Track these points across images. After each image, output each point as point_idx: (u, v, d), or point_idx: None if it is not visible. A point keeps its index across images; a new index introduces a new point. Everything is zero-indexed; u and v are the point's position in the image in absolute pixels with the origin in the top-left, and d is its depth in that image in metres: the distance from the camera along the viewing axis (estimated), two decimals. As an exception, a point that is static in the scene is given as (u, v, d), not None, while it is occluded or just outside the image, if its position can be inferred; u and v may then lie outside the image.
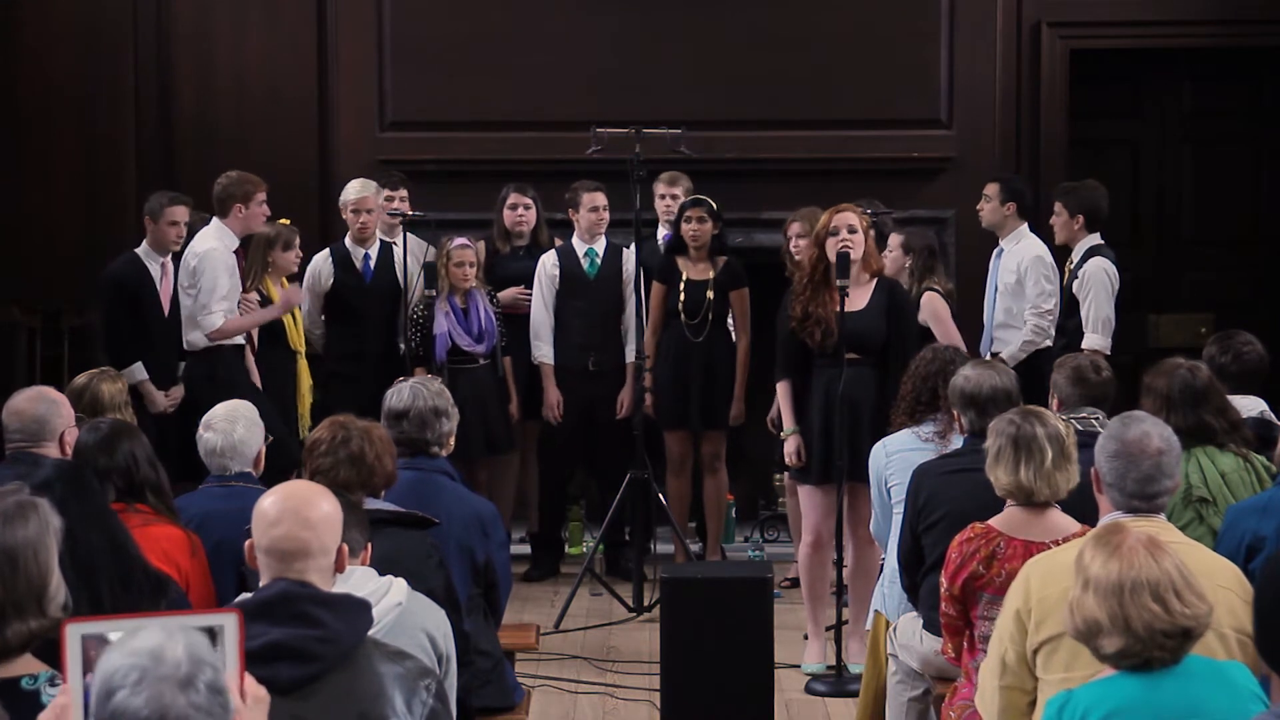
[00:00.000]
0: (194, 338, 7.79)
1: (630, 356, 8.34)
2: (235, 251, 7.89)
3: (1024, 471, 4.50)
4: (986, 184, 8.36)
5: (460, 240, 8.31)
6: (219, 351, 7.77)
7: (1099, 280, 7.73)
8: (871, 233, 6.92)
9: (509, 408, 8.49)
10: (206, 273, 7.72)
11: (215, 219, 7.88)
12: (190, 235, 7.95)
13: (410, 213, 8.41)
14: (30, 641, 3.09)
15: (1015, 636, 3.90)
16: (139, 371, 7.68)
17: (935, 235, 8.17)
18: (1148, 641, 3.16)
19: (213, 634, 2.50)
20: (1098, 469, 4.04)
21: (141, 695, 2.34)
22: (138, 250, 8.00)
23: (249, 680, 2.54)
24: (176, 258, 8.00)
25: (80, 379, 6.11)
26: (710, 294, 8.25)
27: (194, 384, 7.83)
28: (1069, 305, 7.83)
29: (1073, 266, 7.90)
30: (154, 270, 7.99)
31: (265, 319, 7.87)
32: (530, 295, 8.54)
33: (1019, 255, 8.10)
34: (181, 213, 7.95)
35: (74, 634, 2.45)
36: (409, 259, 8.31)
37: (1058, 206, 7.96)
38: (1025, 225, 8.16)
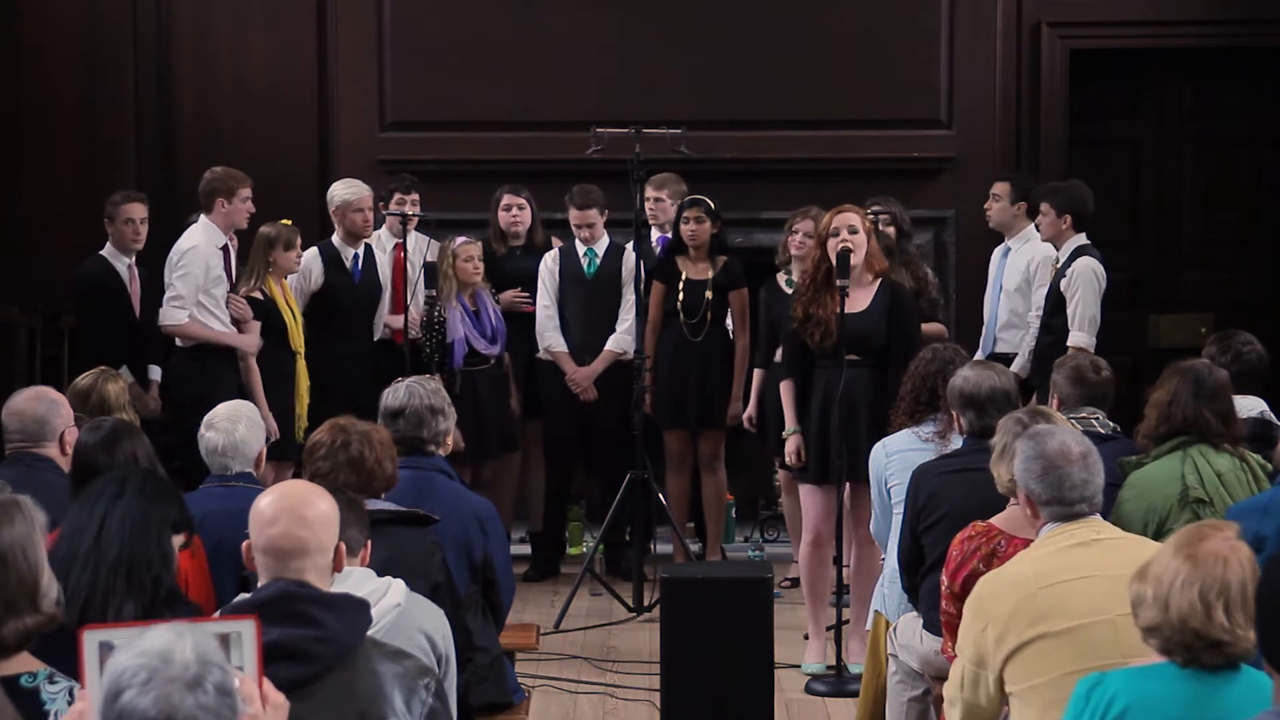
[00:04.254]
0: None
1: (613, 345, 8.40)
2: (223, 248, 7.90)
3: (1018, 470, 4.51)
4: (995, 183, 8.34)
5: (462, 238, 8.32)
6: (205, 349, 7.78)
7: (1087, 279, 7.71)
8: (885, 232, 6.88)
9: (513, 405, 8.53)
10: (182, 269, 7.74)
11: (202, 215, 7.91)
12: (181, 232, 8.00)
13: (409, 213, 8.41)
14: (27, 638, 3.09)
15: (979, 659, 3.90)
16: (125, 375, 7.70)
17: (903, 230, 8.12)
18: (1179, 628, 3.15)
19: (227, 640, 2.50)
20: (1028, 494, 4.00)
21: (149, 695, 2.33)
22: (103, 252, 8.02)
23: (268, 686, 2.54)
24: (143, 258, 8.03)
25: (85, 379, 6.09)
26: (709, 294, 8.26)
27: (176, 381, 7.83)
28: (1055, 304, 7.82)
29: (1059, 265, 7.90)
30: (121, 272, 8.00)
31: (221, 340, 7.77)
32: (526, 296, 8.55)
33: (1028, 255, 8.08)
34: (137, 210, 7.98)
35: (91, 641, 2.45)
36: (414, 257, 8.34)
37: (1044, 206, 7.93)
38: (1032, 225, 8.16)
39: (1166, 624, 3.16)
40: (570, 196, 8.52)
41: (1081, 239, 7.85)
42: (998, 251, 8.36)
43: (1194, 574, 3.15)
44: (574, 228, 8.52)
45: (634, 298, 8.24)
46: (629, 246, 8.38)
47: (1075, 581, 3.84)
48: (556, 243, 8.70)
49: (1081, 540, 3.93)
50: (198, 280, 7.74)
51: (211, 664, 2.37)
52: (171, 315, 7.75)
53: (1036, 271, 8.02)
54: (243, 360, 7.88)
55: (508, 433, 8.47)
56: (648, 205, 8.59)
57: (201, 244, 7.81)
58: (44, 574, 3.13)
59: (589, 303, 8.52)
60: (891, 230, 8.01)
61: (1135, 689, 3.20)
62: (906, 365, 6.09)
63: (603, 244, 8.57)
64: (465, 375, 8.18)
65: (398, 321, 8.26)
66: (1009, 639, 3.83)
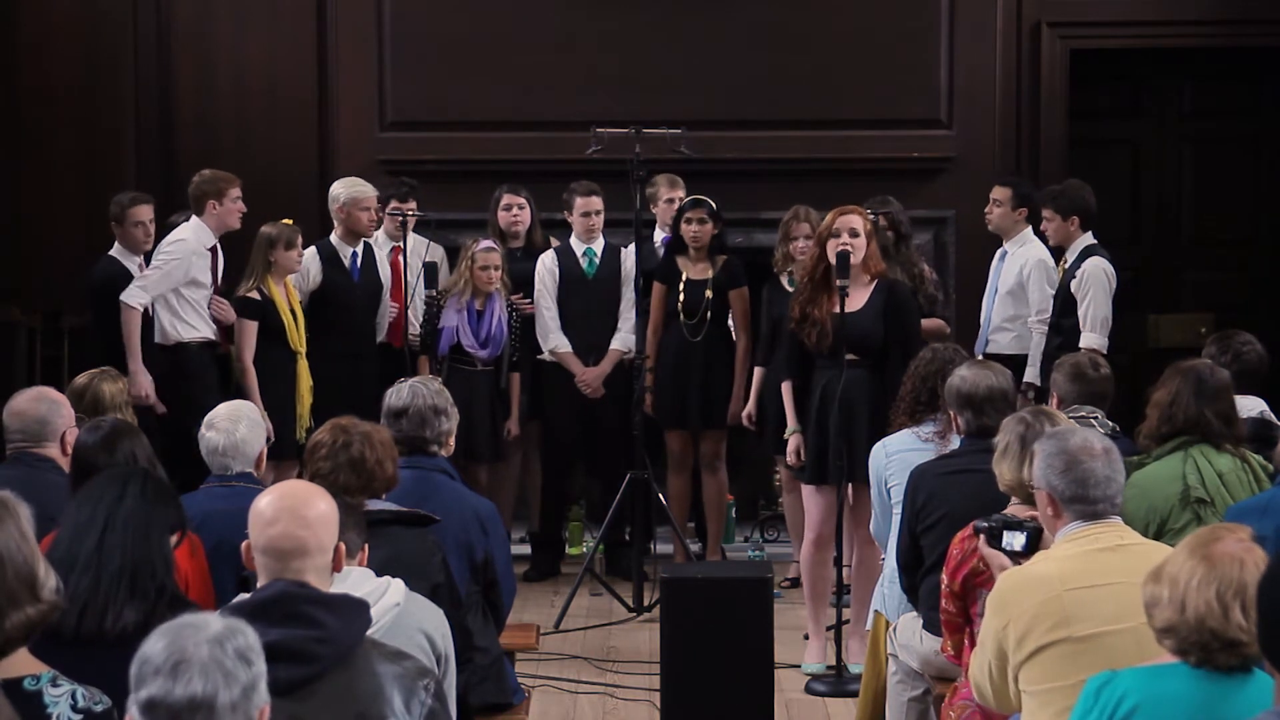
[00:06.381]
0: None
1: (618, 345, 8.40)
2: (210, 249, 7.90)
3: (1026, 470, 4.50)
4: (995, 187, 8.32)
5: (486, 243, 8.29)
6: (185, 348, 7.81)
7: (1097, 279, 7.73)
8: (885, 233, 6.88)
9: (506, 423, 8.40)
10: (163, 258, 7.80)
11: (194, 216, 7.93)
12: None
13: (410, 212, 8.40)
14: (31, 630, 3.09)
15: (1000, 655, 3.89)
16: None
17: (901, 232, 8.12)
18: (1196, 628, 3.14)
19: None
20: (1050, 491, 3.99)
21: (164, 640, 2.48)
22: (112, 253, 8.03)
23: None
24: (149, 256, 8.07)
25: (81, 379, 6.11)
26: (709, 293, 8.26)
27: (158, 378, 7.85)
28: (1065, 305, 7.83)
29: (1068, 266, 7.90)
30: (132, 270, 8.01)
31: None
32: (528, 300, 8.53)
33: (1023, 259, 8.09)
34: (145, 212, 8.01)
35: None
36: (412, 258, 8.33)
37: (1048, 212, 7.94)
38: (1030, 228, 8.16)
39: (1183, 624, 3.15)
40: (573, 188, 8.51)
41: (1089, 239, 7.87)
42: (997, 255, 8.37)
43: (1210, 574, 3.14)
44: (580, 217, 8.49)
45: (634, 296, 8.24)
46: (624, 249, 8.40)
47: (1100, 587, 3.82)
48: (555, 243, 8.69)
49: (1106, 545, 3.91)
50: (174, 276, 7.76)
51: (239, 632, 2.49)
52: (131, 294, 7.75)
53: (1030, 274, 8.03)
54: (238, 362, 7.89)
55: (480, 442, 8.28)
56: (664, 206, 8.57)
57: (189, 239, 7.83)
58: (40, 563, 3.13)
59: (590, 303, 8.51)
60: (889, 233, 8.00)
61: (1146, 688, 3.19)
62: (906, 364, 6.10)
63: (599, 244, 8.56)
64: (452, 369, 8.14)
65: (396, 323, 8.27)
66: (1030, 640, 3.82)
